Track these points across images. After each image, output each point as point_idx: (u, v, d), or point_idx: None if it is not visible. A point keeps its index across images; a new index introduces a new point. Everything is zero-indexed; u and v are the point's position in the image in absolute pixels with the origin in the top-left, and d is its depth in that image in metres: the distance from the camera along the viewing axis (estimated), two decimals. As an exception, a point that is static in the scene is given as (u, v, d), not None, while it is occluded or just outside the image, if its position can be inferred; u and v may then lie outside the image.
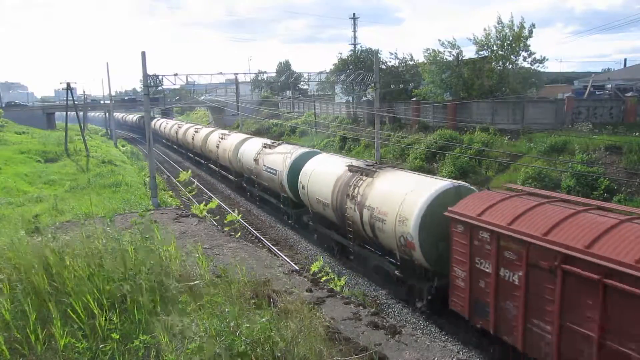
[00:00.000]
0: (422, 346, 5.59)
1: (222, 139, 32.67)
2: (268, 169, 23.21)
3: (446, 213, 11.36)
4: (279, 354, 4.27)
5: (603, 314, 7.79)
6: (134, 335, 4.52)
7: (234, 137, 30.93)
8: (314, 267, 14.74)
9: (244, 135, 31.25)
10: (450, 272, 11.53)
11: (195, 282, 5.59)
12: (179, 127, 48.86)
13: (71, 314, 4.70)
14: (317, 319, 5.24)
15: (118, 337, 4.37)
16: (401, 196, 13.13)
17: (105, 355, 4.31)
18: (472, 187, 13.28)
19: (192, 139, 41.41)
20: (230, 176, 31.59)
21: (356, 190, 15.23)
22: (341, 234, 17.28)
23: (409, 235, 12.43)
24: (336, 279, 14.27)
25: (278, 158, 22.46)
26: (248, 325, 4.48)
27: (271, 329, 4.44)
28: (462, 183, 13.62)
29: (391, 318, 12.42)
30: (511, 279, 9.64)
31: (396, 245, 13.26)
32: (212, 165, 36.70)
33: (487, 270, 10.29)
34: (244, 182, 28.54)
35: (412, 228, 12.24)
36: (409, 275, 13.61)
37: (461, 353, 11.27)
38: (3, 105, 68.23)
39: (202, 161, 39.96)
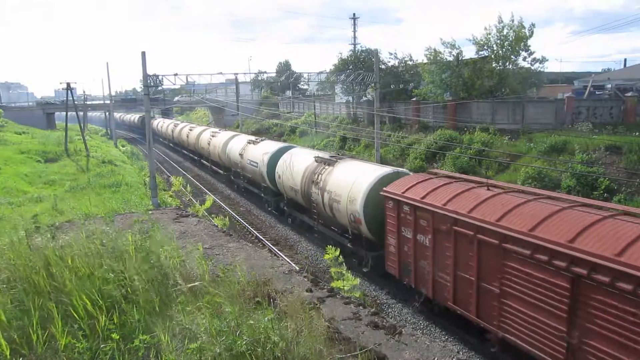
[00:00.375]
0: (422, 346, 5.59)
1: (212, 136, 35.57)
2: (251, 162, 25.87)
3: (381, 192, 14.07)
4: (279, 354, 4.27)
5: (478, 262, 10.59)
6: (134, 335, 4.52)
7: (223, 135, 33.68)
8: (329, 255, 14.13)
9: (232, 133, 34.23)
10: (385, 241, 14.21)
11: (196, 283, 5.59)
12: (175, 126, 51.37)
13: (72, 312, 4.70)
14: (317, 319, 5.25)
15: (118, 337, 4.37)
16: (352, 181, 15.89)
17: (105, 355, 4.31)
18: (408, 172, 15.88)
19: (187, 137, 44.09)
20: (220, 170, 34.38)
21: (319, 178, 17.95)
22: (309, 216, 20.12)
23: (356, 213, 15.09)
24: (348, 274, 13.51)
25: (259, 152, 25.10)
26: (251, 323, 4.49)
27: (272, 328, 4.44)
28: (401, 169, 16.53)
29: (391, 318, 12.41)
30: (424, 242, 12.48)
31: (348, 222, 16.07)
32: (204, 161, 39.41)
33: (408, 237, 13.07)
34: (231, 175, 31.43)
35: (359, 206, 14.93)
36: (358, 246, 16.40)
37: (461, 353, 11.28)
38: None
39: (195, 157, 42.97)
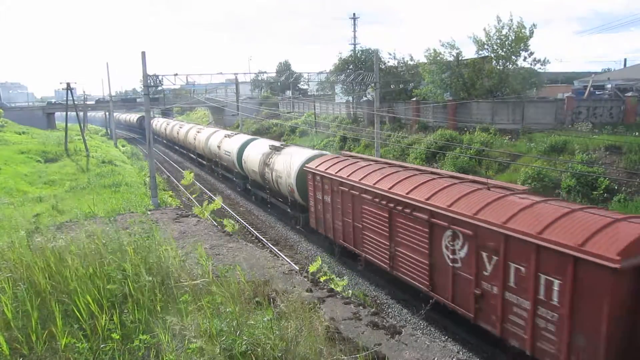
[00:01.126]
0: (422, 346, 5.59)
1: (198, 132, 41.42)
2: (226, 152, 31.53)
3: (303, 168, 19.31)
4: (279, 354, 4.27)
5: (352, 209, 15.89)
6: (134, 335, 4.52)
7: (206, 131, 39.46)
8: (313, 268, 14.80)
9: (213, 129, 39.75)
10: (308, 204, 19.39)
11: (196, 282, 5.59)
12: (167, 124, 57.34)
13: (75, 312, 4.71)
14: (317, 319, 5.25)
15: (118, 337, 4.37)
16: (289, 162, 21.27)
17: (105, 355, 4.31)
18: (327, 153, 21.38)
19: (177, 134, 50.52)
20: (203, 161, 40.34)
21: (270, 161, 23.36)
22: (264, 192, 25.88)
23: (291, 185, 20.63)
24: (336, 279, 14.25)
25: (232, 144, 30.46)
26: (251, 323, 4.49)
27: (272, 329, 4.44)
28: (324, 152, 22.71)
29: (391, 318, 12.42)
30: (327, 200, 17.59)
31: (287, 192, 21.74)
32: (191, 155, 44.97)
33: (319, 198, 18.19)
34: (212, 165, 37.25)
35: (293, 179, 20.46)
36: (294, 210, 21.86)
37: (461, 353, 11.28)
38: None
39: (184, 151, 49.35)
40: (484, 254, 10.29)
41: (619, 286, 7.77)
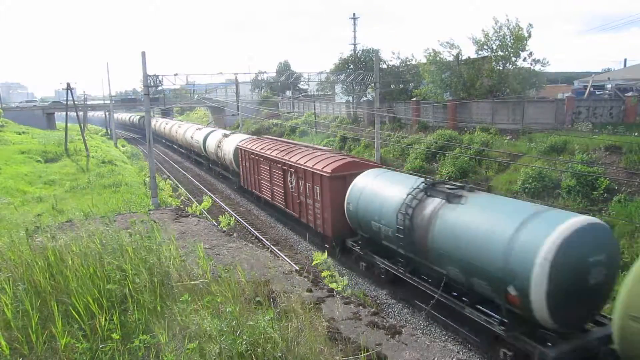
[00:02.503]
0: (422, 346, 5.59)
1: (179, 127, 51.99)
2: (196, 141, 41.64)
3: (237, 147, 28.80)
4: (280, 354, 4.27)
5: (258, 170, 25.09)
6: (134, 336, 4.52)
7: (184, 126, 50.17)
8: (317, 260, 14.90)
9: (189, 125, 51.34)
10: (240, 170, 28.45)
11: (196, 282, 5.58)
12: (167, 124, 62.09)
13: (73, 312, 4.70)
14: (318, 319, 5.25)
15: (118, 337, 4.36)
16: (230, 145, 31.07)
17: (105, 355, 4.30)
18: (256, 137, 31.32)
19: (163, 129, 60.13)
20: (182, 150, 51.06)
21: (221, 144, 33.69)
22: (220, 168, 35.64)
23: (230, 159, 30.53)
24: (337, 275, 14.25)
25: (199, 135, 40.79)
26: (251, 323, 4.48)
27: (272, 328, 4.44)
28: (253, 136, 32.53)
29: (391, 318, 12.42)
30: (248, 166, 26.61)
31: (229, 164, 31.45)
32: (183, 150, 51.37)
33: (245, 165, 27.27)
34: (188, 153, 47.79)
35: (231, 155, 30.35)
36: (234, 176, 31.27)
37: (461, 353, 11.27)
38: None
39: (175, 146, 56.09)
40: (300, 181, 20.07)
41: (332, 184, 17.70)
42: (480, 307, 11.27)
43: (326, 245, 18.17)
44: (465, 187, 12.65)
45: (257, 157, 24.93)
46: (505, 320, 10.45)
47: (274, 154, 22.92)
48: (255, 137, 31.95)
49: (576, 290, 9.13)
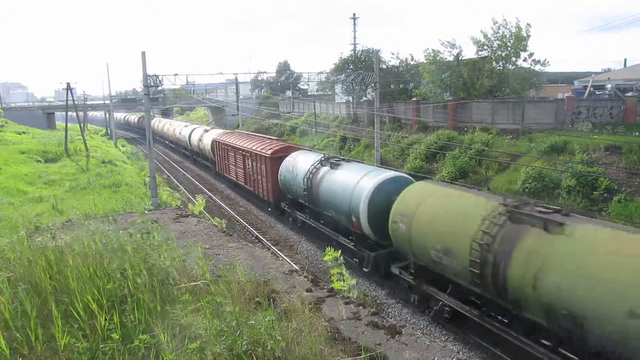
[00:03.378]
0: (422, 346, 5.59)
1: (170, 125, 56.93)
2: (183, 136, 47.43)
3: (212, 139, 34.95)
4: (280, 354, 4.27)
5: (229, 157, 30.64)
6: (134, 336, 4.51)
7: (175, 124, 56.24)
8: (328, 256, 14.71)
9: (179, 123, 57.05)
10: (216, 159, 34.22)
11: (197, 282, 5.58)
12: (159, 122, 65.97)
13: (73, 312, 4.70)
14: (318, 319, 5.24)
15: (118, 337, 4.36)
16: (209, 138, 36.67)
17: (105, 355, 4.30)
18: (228, 131, 38.56)
19: (156, 127, 63.60)
20: (172, 145, 57.20)
21: (202, 138, 39.19)
22: (201, 159, 41.70)
23: (208, 150, 36.54)
24: (346, 275, 13.94)
25: (185, 131, 46.62)
26: (252, 323, 4.48)
27: (273, 328, 4.44)
28: (227, 130, 40.19)
29: (391, 318, 12.42)
30: (223, 155, 32.13)
31: (208, 155, 37.22)
32: (172, 145, 57.09)
33: (218, 154, 33.23)
34: (178, 148, 53.38)
35: (209, 146, 36.31)
36: (212, 165, 36.87)
37: (461, 353, 11.26)
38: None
39: (166, 142, 61.23)
40: (253, 162, 25.64)
41: (272, 162, 23.01)
42: (344, 238, 17.35)
43: (269, 208, 25.27)
44: (345, 159, 18.83)
45: (226, 147, 30.83)
46: (352, 239, 16.72)
47: (238, 143, 28.67)
48: (228, 131, 38.97)
49: (384, 216, 13.84)
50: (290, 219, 22.66)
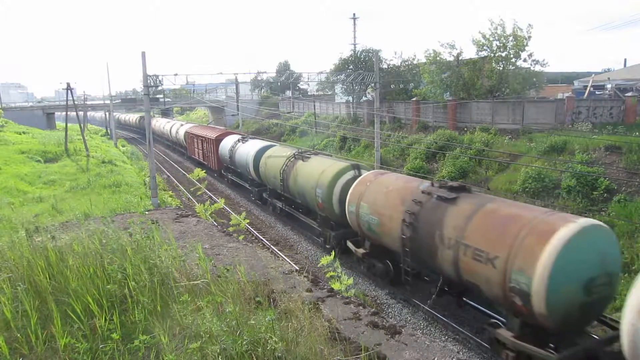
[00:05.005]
0: (422, 346, 5.59)
1: (167, 123, 60.94)
2: (167, 130, 56.76)
3: (185, 131, 47.48)
4: (279, 354, 4.27)
5: (196, 145, 42.55)
6: (134, 336, 4.51)
7: (162, 121, 64.40)
8: (324, 261, 14.84)
9: (167, 120, 64.40)
10: (187, 145, 46.47)
11: (197, 282, 5.58)
12: (156, 122, 68.32)
13: (72, 313, 4.70)
14: (318, 319, 5.24)
15: (118, 337, 4.36)
16: (183, 131, 49.13)
17: (105, 355, 4.30)
18: (201, 124, 56.04)
19: (154, 126, 67.43)
20: (163, 141, 64.04)
21: (179, 131, 51.03)
22: (177, 146, 54.68)
23: (182, 139, 49.30)
24: (344, 275, 14.11)
25: (169, 126, 57.28)
26: (253, 322, 4.48)
27: (273, 329, 4.44)
28: (197, 124, 56.29)
29: (391, 318, 12.43)
30: (192, 143, 43.78)
31: (182, 143, 49.48)
32: (158, 138, 62.50)
33: (189, 142, 44.98)
34: (169, 143, 60.33)
35: (182, 137, 48.73)
36: (185, 151, 49.07)
37: (461, 353, 11.28)
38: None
39: (155, 136, 63.96)
40: (206, 145, 37.97)
41: (216, 143, 35.29)
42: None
43: (215, 175, 36.70)
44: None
45: (193, 136, 42.90)
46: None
47: (199, 132, 41.19)
48: (197, 125, 53.42)
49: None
50: (230, 177, 33.74)
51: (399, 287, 14.84)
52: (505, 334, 10.08)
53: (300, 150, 22.25)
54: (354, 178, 16.97)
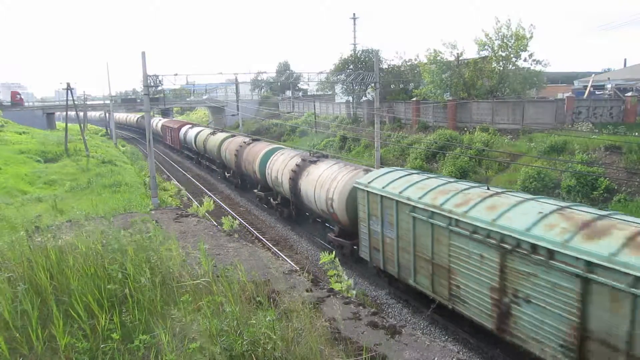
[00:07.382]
0: (422, 346, 5.59)
1: (160, 121, 64.80)
2: (158, 129, 62.15)
3: (162, 124, 59.63)
4: (279, 354, 4.27)
5: (169, 134, 56.75)
6: (134, 336, 4.51)
7: (155, 119, 66.77)
8: (324, 259, 14.88)
9: (159, 118, 69.62)
10: (163, 135, 58.39)
11: (197, 282, 5.58)
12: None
13: (72, 313, 4.70)
14: (318, 319, 5.24)
15: (118, 337, 4.36)
16: (160, 124, 61.15)
17: (105, 355, 4.30)
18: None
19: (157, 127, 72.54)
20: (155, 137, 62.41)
21: (157, 125, 60.87)
22: (160, 139, 60.88)
23: (159, 131, 60.69)
24: (344, 275, 14.15)
25: (153, 122, 59.61)
26: (253, 322, 4.48)
27: (273, 329, 4.44)
28: (171, 119, 69.09)
29: (391, 318, 12.42)
30: (166, 132, 58.01)
31: (161, 133, 59.82)
32: (166, 142, 63.16)
33: (165, 132, 57.88)
34: (160, 139, 62.69)
35: (160, 129, 60.93)
36: (162, 140, 60.73)
37: (461, 353, 11.26)
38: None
39: (159, 139, 66.94)
40: (174, 132, 51.74)
41: (178, 130, 50.40)
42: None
43: (176, 150, 51.09)
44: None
45: (166, 127, 54.43)
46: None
47: (170, 125, 52.77)
48: (173, 119, 64.06)
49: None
50: (189, 154, 46.64)
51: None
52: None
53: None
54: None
